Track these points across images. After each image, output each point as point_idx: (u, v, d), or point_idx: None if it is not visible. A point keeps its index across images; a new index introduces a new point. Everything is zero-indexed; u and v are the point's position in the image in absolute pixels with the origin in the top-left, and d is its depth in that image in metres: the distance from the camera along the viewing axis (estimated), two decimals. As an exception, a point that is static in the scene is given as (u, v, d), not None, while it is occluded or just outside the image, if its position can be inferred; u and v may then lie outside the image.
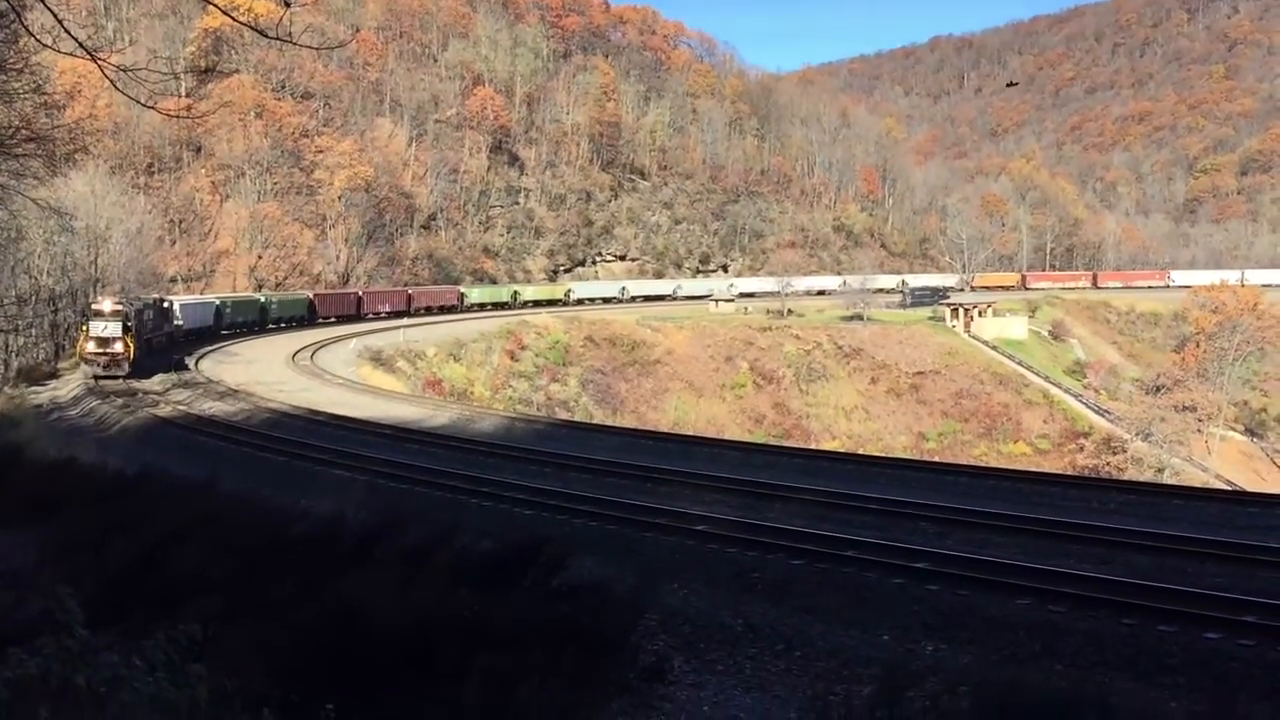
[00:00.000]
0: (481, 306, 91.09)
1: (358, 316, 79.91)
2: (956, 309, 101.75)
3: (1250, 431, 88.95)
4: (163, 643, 6.50)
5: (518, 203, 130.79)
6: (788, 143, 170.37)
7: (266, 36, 9.64)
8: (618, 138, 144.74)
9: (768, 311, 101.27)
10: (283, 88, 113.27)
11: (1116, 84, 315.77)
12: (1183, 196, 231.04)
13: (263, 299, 73.73)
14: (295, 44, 10.19)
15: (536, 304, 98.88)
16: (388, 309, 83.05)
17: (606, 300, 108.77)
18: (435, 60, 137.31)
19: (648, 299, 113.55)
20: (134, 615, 10.45)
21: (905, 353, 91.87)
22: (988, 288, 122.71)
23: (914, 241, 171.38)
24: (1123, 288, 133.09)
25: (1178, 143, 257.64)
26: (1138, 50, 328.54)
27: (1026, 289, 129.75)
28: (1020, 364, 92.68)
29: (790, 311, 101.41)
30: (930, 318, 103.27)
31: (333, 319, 77.15)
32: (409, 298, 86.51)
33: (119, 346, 43.55)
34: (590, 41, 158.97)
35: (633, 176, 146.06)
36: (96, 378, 43.47)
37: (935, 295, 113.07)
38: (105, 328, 43.52)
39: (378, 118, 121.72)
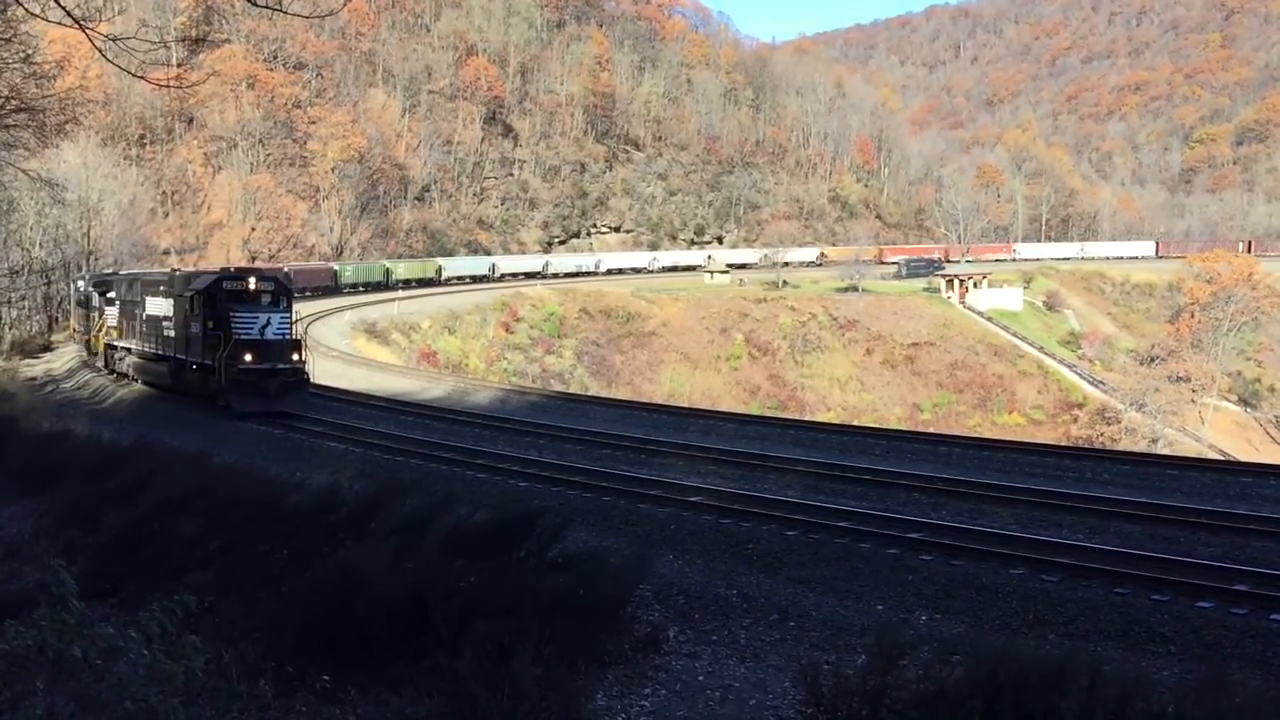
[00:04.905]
0: (354, 287, 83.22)
1: None
2: (951, 280, 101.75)
3: (1244, 401, 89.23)
4: (158, 614, 6.51)
5: (512, 174, 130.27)
6: (783, 113, 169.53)
7: (257, 5, 9.57)
8: (612, 108, 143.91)
9: (763, 283, 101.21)
10: (275, 58, 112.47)
11: (1113, 53, 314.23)
12: (1178, 166, 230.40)
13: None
14: (286, 12, 10.11)
15: (407, 283, 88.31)
16: None
17: (475, 279, 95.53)
18: (428, 30, 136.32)
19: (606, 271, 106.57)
20: (129, 587, 10.48)
21: (900, 324, 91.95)
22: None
23: (909, 212, 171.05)
24: (974, 260, 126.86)
25: (1174, 112, 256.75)
26: (1134, 19, 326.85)
27: (882, 263, 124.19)
28: (1015, 335, 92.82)
29: (785, 283, 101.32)
30: (925, 289, 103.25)
31: None
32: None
33: (295, 355, 27.24)
34: (584, 11, 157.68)
35: (627, 147, 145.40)
36: (247, 414, 26.00)
37: (930, 266, 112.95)
38: (267, 323, 26.77)
39: (370, 88, 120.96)
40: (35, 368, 44.22)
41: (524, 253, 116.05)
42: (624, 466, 19.67)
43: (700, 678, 9.35)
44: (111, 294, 36.86)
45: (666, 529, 14.59)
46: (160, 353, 31.07)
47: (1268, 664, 9.38)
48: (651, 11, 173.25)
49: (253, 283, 27.39)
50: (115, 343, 36.12)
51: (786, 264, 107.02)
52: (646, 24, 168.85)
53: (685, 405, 51.63)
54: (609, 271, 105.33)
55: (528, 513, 12.51)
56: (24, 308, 58.19)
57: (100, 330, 38.73)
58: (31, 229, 55.81)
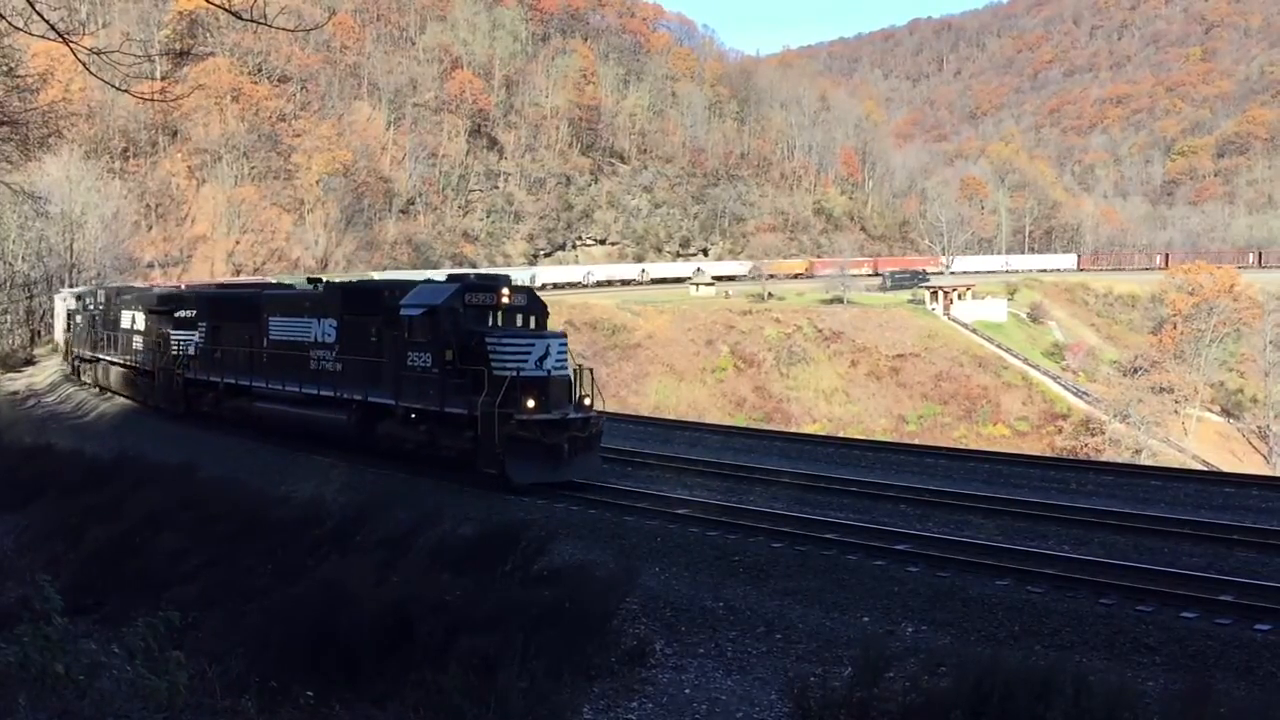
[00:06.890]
0: None
1: None
2: (936, 291, 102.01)
3: (1226, 412, 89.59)
4: (142, 630, 6.48)
5: (497, 187, 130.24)
6: (767, 126, 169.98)
7: (241, 19, 9.55)
8: (597, 121, 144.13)
9: (748, 295, 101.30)
10: (259, 71, 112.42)
11: (1095, 66, 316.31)
12: (1160, 179, 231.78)
13: None
14: (271, 26, 10.10)
15: None
16: None
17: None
18: (413, 43, 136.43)
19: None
20: (113, 602, 10.41)
21: (885, 335, 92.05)
22: (787, 276, 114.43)
23: (894, 224, 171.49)
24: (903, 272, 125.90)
25: (1155, 125, 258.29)
26: (1115, 32, 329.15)
27: (813, 276, 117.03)
28: (999, 346, 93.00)
29: (770, 295, 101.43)
30: (910, 300, 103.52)
31: None
32: None
33: (585, 399, 19.60)
34: (569, 24, 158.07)
35: (612, 160, 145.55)
36: (529, 488, 17.74)
37: (915, 278, 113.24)
38: (545, 352, 18.68)
39: (355, 101, 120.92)
40: (17, 382, 43.95)
41: (509, 266, 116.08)
42: (610, 479, 19.64)
43: (687, 691, 9.33)
44: (184, 313, 29.35)
45: (653, 541, 14.57)
46: (323, 394, 22.34)
47: (1252, 674, 9.41)
48: (636, 25, 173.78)
49: (506, 294, 19.42)
50: (202, 377, 28.30)
51: (716, 280, 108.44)
52: (631, 37, 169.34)
53: (671, 417, 51.56)
54: (544, 285, 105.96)
55: (513, 526, 12.49)
56: (6, 321, 57.90)
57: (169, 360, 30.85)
58: (14, 242, 55.63)
